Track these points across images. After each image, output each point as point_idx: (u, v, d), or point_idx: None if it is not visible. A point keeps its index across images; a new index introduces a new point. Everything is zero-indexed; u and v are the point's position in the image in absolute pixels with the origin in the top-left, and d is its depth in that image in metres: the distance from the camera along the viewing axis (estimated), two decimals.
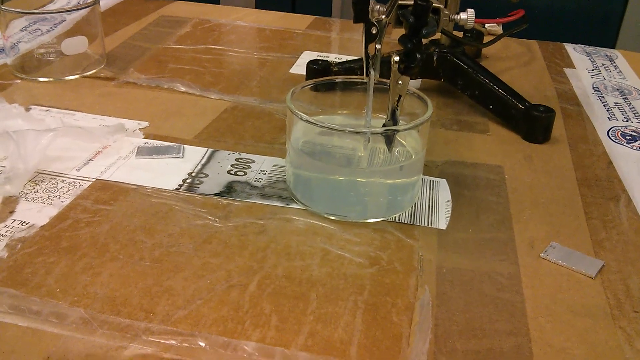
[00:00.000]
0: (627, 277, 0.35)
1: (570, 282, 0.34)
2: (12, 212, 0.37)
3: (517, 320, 0.31)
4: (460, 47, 0.55)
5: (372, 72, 0.38)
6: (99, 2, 0.59)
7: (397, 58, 0.37)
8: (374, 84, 0.39)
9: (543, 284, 0.34)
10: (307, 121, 0.37)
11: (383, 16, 0.37)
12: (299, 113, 0.37)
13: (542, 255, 0.36)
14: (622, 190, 0.43)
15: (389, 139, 0.39)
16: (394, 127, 0.38)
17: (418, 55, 0.37)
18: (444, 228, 0.38)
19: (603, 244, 0.37)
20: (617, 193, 0.43)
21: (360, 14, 0.36)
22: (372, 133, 0.39)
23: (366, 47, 0.37)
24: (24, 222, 0.36)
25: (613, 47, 0.87)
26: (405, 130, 0.39)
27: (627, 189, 0.43)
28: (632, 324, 0.31)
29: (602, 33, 0.86)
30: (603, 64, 0.67)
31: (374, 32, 0.37)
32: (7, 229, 0.36)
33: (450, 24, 0.43)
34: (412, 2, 0.37)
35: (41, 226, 0.36)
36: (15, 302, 0.30)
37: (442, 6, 0.38)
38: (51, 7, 0.69)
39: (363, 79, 0.40)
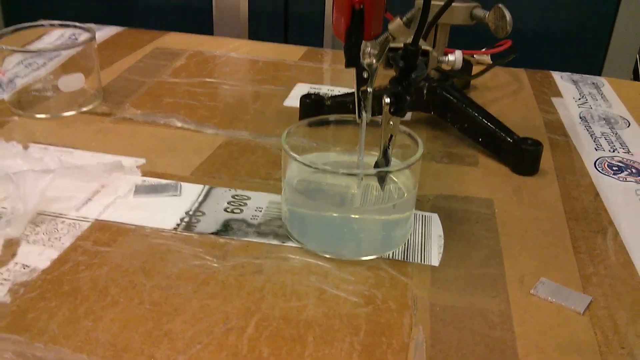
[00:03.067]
0: (614, 312, 0.36)
1: (559, 318, 0.35)
2: (13, 255, 0.38)
3: (508, 359, 0.32)
4: (449, 81, 0.56)
5: (364, 113, 0.39)
6: (94, 38, 0.60)
7: (387, 100, 0.38)
8: (369, 117, 0.40)
9: (533, 321, 0.35)
10: (302, 163, 0.38)
11: (374, 60, 0.38)
12: (294, 155, 0.38)
13: (532, 291, 0.37)
14: (609, 222, 0.44)
15: (382, 178, 0.40)
16: (386, 169, 0.39)
17: (408, 98, 0.38)
18: (437, 264, 0.39)
19: (591, 278, 0.38)
20: (604, 226, 0.44)
21: (353, 59, 0.37)
22: (365, 175, 0.40)
23: (358, 90, 0.39)
24: (26, 266, 0.37)
25: (600, 72, 0.90)
26: (396, 170, 0.40)
27: (614, 222, 0.44)
28: None
29: (589, 59, 0.88)
30: (589, 92, 0.68)
31: (365, 76, 0.38)
32: (10, 273, 0.36)
33: (439, 65, 0.44)
34: (402, 45, 0.38)
35: (43, 270, 0.37)
36: (20, 349, 0.31)
37: (430, 48, 0.40)
38: (46, 39, 0.70)
39: (355, 118, 0.41)
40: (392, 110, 0.39)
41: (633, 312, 0.36)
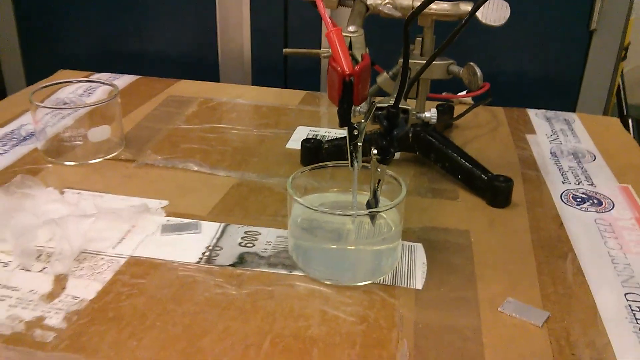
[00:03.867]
0: (568, 325, 0.43)
1: (521, 331, 0.42)
2: (64, 288, 0.45)
3: None
4: (432, 125, 0.64)
5: (355, 164, 0.47)
6: (118, 94, 0.68)
7: (375, 151, 0.46)
8: (359, 167, 0.48)
9: (499, 334, 0.42)
10: (304, 205, 0.46)
11: (362, 120, 0.46)
12: (298, 198, 0.46)
13: (499, 309, 0.44)
14: (570, 249, 0.52)
15: (372, 216, 0.47)
16: (375, 210, 0.47)
17: (392, 150, 0.46)
18: (420, 288, 0.46)
19: (550, 297, 0.46)
20: (565, 251, 0.51)
21: (345, 120, 0.45)
22: (357, 215, 0.47)
23: (350, 145, 0.46)
24: (75, 297, 0.44)
25: (574, 108, 0.97)
26: (384, 210, 0.47)
27: (574, 247, 0.52)
28: None
29: (564, 96, 0.96)
30: (561, 129, 0.76)
31: (355, 133, 0.45)
32: (62, 303, 0.44)
33: (417, 120, 0.52)
34: (386, 106, 0.46)
35: (90, 300, 0.44)
36: None
37: (410, 107, 0.47)
38: (67, 88, 0.77)
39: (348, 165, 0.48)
40: (379, 159, 0.46)
41: (584, 325, 0.43)
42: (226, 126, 0.74)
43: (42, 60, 1.10)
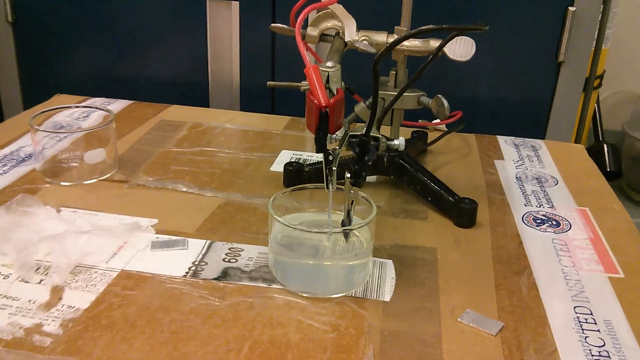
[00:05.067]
0: (519, 334, 0.47)
1: (477, 339, 0.47)
2: (60, 298, 0.49)
3: None
4: (406, 150, 0.69)
5: (330, 186, 0.52)
6: (113, 120, 0.72)
7: (348, 175, 0.51)
8: (335, 188, 0.53)
9: (457, 341, 0.46)
10: (284, 224, 0.50)
11: (337, 147, 0.51)
12: (278, 218, 0.50)
13: (458, 319, 0.48)
14: (527, 265, 0.56)
15: (346, 233, 0.52)
16: (348, 227, 0.51)
17: (363, 174, 0.50)
18: (388, 300, 0.51)
19: (505, 309, 0.50)
20: (522, 268, 0.56)
21: (321, 147, 0.50)
22: (332, 232, 0.52)
23: (326, 169, 0.51)
24: (71, 306, 0.48)
25: (544, 134, 1.03)
26: (357, 228, 0.52)
27: (530, 264, 0.56)
28: None
29: (535, 123, 1.02)
30: (527, 155, 0.81)
31: (330, 158, 0.50)
32: (59, 312, 0.48)
33: (388, 147, 0.57)
34: (358, 135, 0.51)
35: (85, 309, 0.48)
36: None
37: (380, 135, 0.52)
38: (64, 112, 0.81)
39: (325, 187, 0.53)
40: (352, 182, 0.51)
41: (534, 333, 0.47)
42: (214, 149, 0.79)
43: (38, 84, 1.15)
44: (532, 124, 1.02)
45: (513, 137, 0.87)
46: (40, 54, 1.14)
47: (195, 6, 1.04)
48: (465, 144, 0.84)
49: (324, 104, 0.49)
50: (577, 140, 1.39)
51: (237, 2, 1.02)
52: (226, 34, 1.05)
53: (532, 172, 0.76)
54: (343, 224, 0.52)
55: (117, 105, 0.93)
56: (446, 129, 0.85)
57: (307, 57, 0.51)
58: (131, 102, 0.94)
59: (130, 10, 1.08)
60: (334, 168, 0.51)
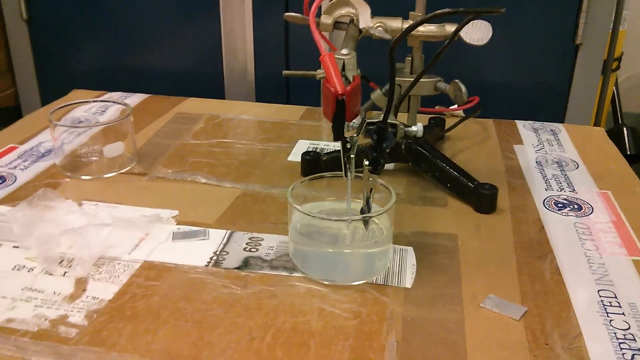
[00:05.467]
0: (543, 319, 0.47)
1: (500, 324, 0.46)
2: (84, 290, 0.50)
3: (459, 355, 0.43)
4: (423, 137, 0.68)
5: (349, 174, 0.51)
6: (131, 113, 0.72)
7: (367, 162, 0.51)
8: (353, 176, 0.53)
9: (480, 327, 0.46)
10: (303, 212, 0.50)
11: (355, 134, 0.51)
12: (297, 207, 0.50)
13: (481, 305, 0.48)
14: (549, 250, 0.56)
15: (366, 221, 0.52)
16: (368, 215, 0.51)
17: (382, 161, 0.50)
18: (409, 287, 0.51)
19: (528, 294, 0.50)
20: (544, 253, 0.55)
21: (338, 134, 0.49)
22: (352, 220, 0.52)
23: (344, 157, 0.51)
24: (95, 297, 0.49)
25: (563, 118, 1.02)
26: (376, 215, 0.52)
27: (553, 249, 0.56)
28: (543, 353, 0.43)
29: (553, 107, 1.01)
30: (547, 139, 0.80)
31: (348, 146, 0.50)
32: (84, 303, 0.48)
33: (406, 133, 0.57)
34: (376, 121, 0.51)
35: (109, 300, 0.48)
36: (99, 357, 0.43)
37: (398, 122, 0.52)
38: (82, 107, 0.82)
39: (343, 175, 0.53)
40: (370, 170, 0.51)
41: (558, 318, 0.47)
42: (231, 141, 0.79)
43: (55, 80, 1.16)
44: (550, 107, 1.00)
45: (532, 122, 0.86)
46: (56, 50, 1.14)
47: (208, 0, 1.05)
48: (483, 130, 0.83)
49: (340, 92, 0.48)
50: (597, 124, 1.37)
51: None
52: (239, 24, 1.05)
53: (552, 156, 0.75)
54: (362, 212, 0.52)
55: (134, 99, 0.93)
56: (463, 115, 0.84)
57: (322, 45, 0.51)
58: (148, 95, 0.95)
59: (143, 2, 1.08)
60: (352, 156, 0.50)
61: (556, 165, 0.73)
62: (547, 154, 0.76)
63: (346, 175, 0.52)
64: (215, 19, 1.06)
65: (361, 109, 0.64)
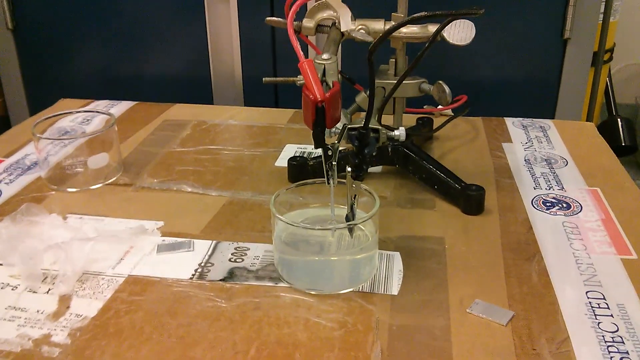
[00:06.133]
0: (530, 323, 0.46)
1: (487, 330, 0.46)
2: (68, 307, 0.49)
3: None
4: (409, 139, 0.68)
5: (331, 181, 0.51)
6: (115, 123, 0.72)
7: (349, 169, 0.50)
8: (336, 183, 0.52)
9: (467, 333, 0.45)
10: (286, 222, 0.50)
11: (336, 141, 0.50)
12: (280, 217, 0.50)
13: (468, 310, 0.48)
14: (537, 251, 0.55)
15: (350, 228, 0.51)
16: (352, 222, 0.51)
17: (364, 167, 0.50)
18: (396, 294, 0.50)
19: (515, 297, 0.49)
20: (532, 254, 0.55)
21: (319, 142, 0.49)
22: (336, 229, 0.51)
23: (325, 164, 0.50)
24: (79, 315, 0.48)
25: (553, 113, 1.01)
26: (360, 223, 0.51)
27: (541, 249, 0.55)
28: (531, 358, 0.43)
29: (543, 102, 1.00)
30: (536, 136, 0.80)
31: (329, 153, 0.49)
32: (67, 321, 0.48)
33: (388, 137, 0.56)
34: (357, 127, 0.50)
35: (92, 317, 0.48)
36: None
37: (380, 127, 0.51)
38: (68, 117, 0.82)
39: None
40: (353, 176, 0.50)
41: (546, 322, 0.47)
42: (218, 147, 0.79)
43: (43, 88, 1.15)
44: (541, 103, 1.00)
45: (521, 119, 0.85)
46: (43, 59, 1.14)
47: (193, 2, 1.04)
48: (472, 128, 0.83)
49: (319, 99, 0.48)
50: (589, 117, 1.37)
51: None
52: (225, 28, 1.04)
53: (541, 153, 0.75)
54: (347, 219, 0.51)
55: (121, 107, 0.93)
56: (452, 114, 0.84)
57: (301, 51, 0.50)
58: (135, 103, 0.94)
59: (129, 9, 1.07)
60: (333, 163, 0.50)
61: (545, 163, 0.72)
62: (536, 151, 0.75)
63: (328, 183, 0.51)
64: (202, 24, 1.05)
65: (346, 112, 0.64)
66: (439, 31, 0.52)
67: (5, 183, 0.70)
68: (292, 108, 0.92)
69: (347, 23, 0.61)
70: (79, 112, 0.80)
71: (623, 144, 1.57)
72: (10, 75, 1.14)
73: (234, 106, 0.95)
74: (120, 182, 0.70)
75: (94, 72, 1.13)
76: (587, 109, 1.37)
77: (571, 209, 0.62)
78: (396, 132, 0.56)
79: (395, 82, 0.60)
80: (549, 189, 0.66)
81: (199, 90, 1.10)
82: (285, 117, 0.88)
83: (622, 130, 1.60)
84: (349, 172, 0.50)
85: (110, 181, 0.70)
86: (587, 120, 1.42)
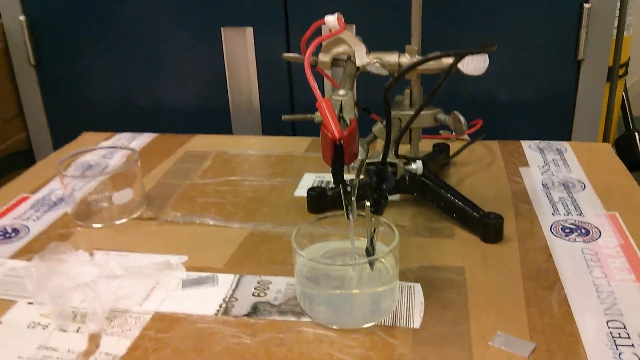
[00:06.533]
0: (552, 354, 0.47)
1: None
2: (97, 346, 0.51)
3: None
4: (427, 167, 0.68)
5: (351, 216, 0.52)
6: (138, 159, 0.74)
7: (368, 204, 0.51)
8: (355, 217, 0.53)
9: None
10: (307, 258, 0.51)
11: (354, 176, 0.51)
12: (301, 253, 0.51)
13: (489, 343, 0.48)
14: (557, 279, 0.56)
15: (371, 262, 0.52)
16: (372, 258, 0.51)
17: (382, 202, 0.51)
18: (418, 327, 0.51)
19: (537, 328, 0.50)
20: (552, 282, 0.55)
21: (337, 178, 0.50)
22: (356, 264, 0.52)
23: (344, 200, 0.51)
24: (108, 354, 0.50)
25: (570, 133, 1.01)
26: (379, 258, 0.52)
27: (561, 278, 0.56)
28: None
29: (559, 121, 1.00)
30: (553, 159, 0.80)
31: (349, 189, 0.51)
32: None
33: (406, 171, 0.57)
34: (375, 162, 0.51)
35: (121, 356, 0.49)
36: None
37: (397, 161, 0.52)
38: (95, 152, 0.84)
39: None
40: (372, 211, 0.51)
41: (567, 353, 0.47)
42: (238, 178, 0.80)
43: (65, 120, 1.18)
44: (557, 123, 1.00)
45: (537, 141, 0.86)
46: (65, 92, 1.17)
47: (210, 33, 1.06)
48: (488, 152, 0.83)
49: (338, 137, 0.49)
50: (606, 132, 1.36)
51: (251, 28, 1.04)
52: (242, 58, 1.06)
53: (558, 177, 0.75)
54: (367, 252, 0.52)
55: (143, 139, 0.95)
56: (468, 139, 0.85)
57: (318, 91, 0.52)
58: (156, 135, 0.96)
59: (148, 42, 1.10)
60: (352, 198, 0.51)
61: (563, 187, 0.73)
62: (554, 175, 0.76)
63: (348, 218, 0.52)
64: (219, 54, 1.08)
65: (363, 141, 0.65)
66: (452, 66, 0.53)
67: (33, 220, 0.72)
68: (309, 135, 0.94)
69: (362, 58, 0.63)
70: (102, 148, 0.82)
71: None
72: (33, 109, 1.17)
73: (252, 135, 0.96)
74: (144, 216, 0.72)
75: (115, 104, 1.16)
76: (604, 124, 1.37)
77: (590, 235, 0.62)
78: (413, 166, 0.57)
79: (411, 114, 0.61)
80: (568, 215, 0.66)
81: (218, 119, 1.12)
82: (303, 145, 0.90)
83: (639, 144, 1.59)
84: (367, 207, 0.51)
85: (134, 215, 0.72)
86: (604, 136, 1.42)
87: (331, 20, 0.60)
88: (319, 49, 0.67)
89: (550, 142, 0.86)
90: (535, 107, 1.00)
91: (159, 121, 1.14)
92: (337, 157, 0.49)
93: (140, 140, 0.94)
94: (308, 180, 0.79)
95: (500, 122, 0.99)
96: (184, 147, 0.91)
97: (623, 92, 1.63)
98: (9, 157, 1.12)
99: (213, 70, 1.09)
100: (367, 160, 0.52)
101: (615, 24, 1.28)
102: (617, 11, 1.27)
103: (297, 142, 0.91)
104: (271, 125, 1.10)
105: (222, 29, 1.05)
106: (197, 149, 0.90)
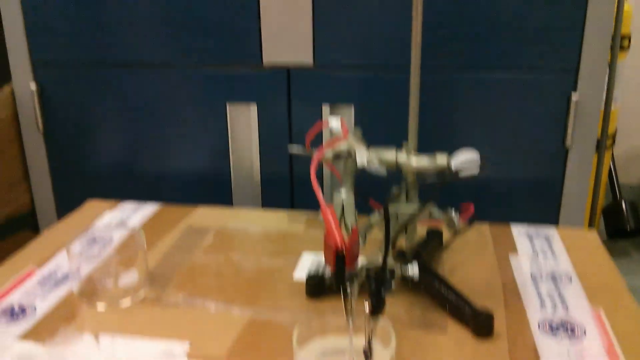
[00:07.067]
0: None
1: None
2: None
3: None
4: (421, 259, 0.72)
5: (350, 320, 0.55)
6: (144, 242, 0.76)
7: (367, 308, 0.54)
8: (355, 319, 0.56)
9: None
10: None
11: (354, 278, 0.54)
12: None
13: None
14: None
15: None
16: None
17: (381, 306, 0.54)
18: None
19: None
20: None
21: (340, 282, 0.53)
22: None
23: (345, 304, 0.54)
24: None
25: (558, 213, 1.06)
26: None
27: None
28: None
29: (547, 204, 1.05)
30: (541, 248, 0.84)
31: (349, 292, 0.54)
32: None
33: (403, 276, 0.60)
34: (375, 267, 0.54)
35: None
36: None
37: (395, 267, 0.55)
38: (100, 223, 0.87)
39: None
40: (371, 313, 0.54)
41: None
42: (239, 257, 0.83)
43: (69, 184, 1.21)
44: (545, 205, 1.04)
45: (527, 227, 0.90)
46: (69, 157, 1.20)
47: (216, 109, 1.11)
48: (479, 236, 0.87)
49: (340, 247, 0.52)
50: (594, 205, 1.41)
51: (255, 104, 1.08)
52: (246, 132, 1.10)
53: (546, 269, 0.78)
54: (365, 354, 0.55)
55: (147, 210, 0.98)
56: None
57: (322, 199, 0.55)
58: (159, 207, 0.99)
59: (153, 111, 1.14)
60: (352, 300, 0.54)
61: (550, 280, 0.76)
62: (542, 266, 0.79)
63: (348, 320, 0.55)
64: (224, 128, 1.12)
65: (362, 230, 0.68)
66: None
67: (40, 298, 0.74)
68: (307, 207, 0.97)
69: (362, 158, 0.66)
70: (108, 227, 0.85)
71: (628, 229, 1.61)
72: (39, 173, 1.20)
73: (252, 209, 1.00)
74: (148, 297, 0.74)
75: (119, 170, 1.20)
76: (591, 197, 1.42)
77: (575, 334, 0.65)
78: (410, 273, 0.60)
79: (407, 211, 0.65)
80: (554, 309, 0.69)
81: (219, 189, 1.16)
82: (302, 220, 0.93)
83: (627, 214, 1.63)
84: (365, 308, 0.54)
85: (138, 295, 0.74)
86: (592, 206, 1.47)
87: (335, 125, 0.64)
88: (320, 140, 0.72)
89: (538, 228, 0.89)
90: (524, 190, 1.05)
91: (163, 189, 1.18)
92: (339, 264, 0.53)
93: (144, 212, 0.97)
94: (307, 260, 0.82)
95: (490, 202, 1.03)
96: (185, 219, 0.94)
97: (610, 163, 1.69)
98: (13, 220, 1.15)
99: (217, 143, 1.13)
100: (366, 266, 0.56)
101: (602, 105, 1.34)
102: (605, 94, 1.33)
103: (296, 216, 0.95)
104: (270, 197, 1.13)
105: (227, 104, 1.09)
106: (199, 224, 0.93)
